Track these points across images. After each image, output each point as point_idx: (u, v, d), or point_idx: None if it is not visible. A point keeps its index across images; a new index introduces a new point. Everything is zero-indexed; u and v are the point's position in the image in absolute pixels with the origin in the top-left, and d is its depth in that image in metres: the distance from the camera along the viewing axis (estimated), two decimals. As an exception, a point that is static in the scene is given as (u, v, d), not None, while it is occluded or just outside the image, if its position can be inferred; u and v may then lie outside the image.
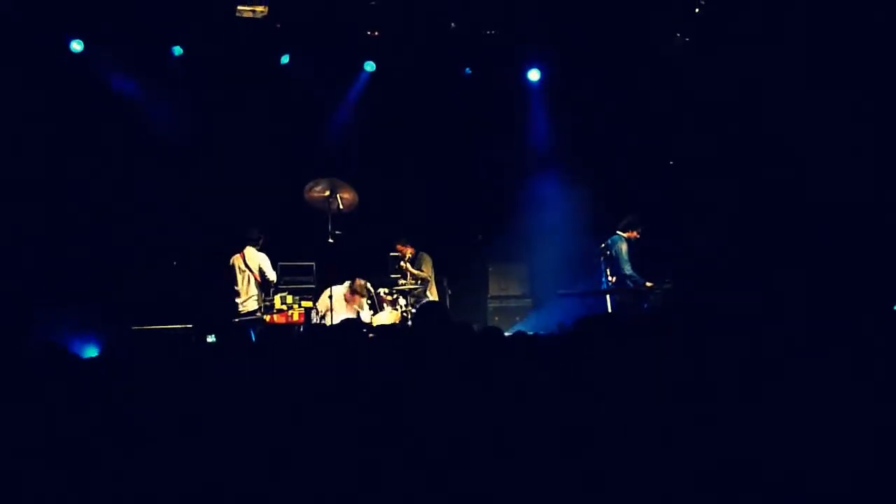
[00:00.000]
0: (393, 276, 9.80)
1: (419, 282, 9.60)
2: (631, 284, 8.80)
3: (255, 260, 9.32)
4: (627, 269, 8.83)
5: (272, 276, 9.36)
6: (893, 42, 8.50)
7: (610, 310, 8.65)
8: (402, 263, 9.61)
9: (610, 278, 8.92)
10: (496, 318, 10.59)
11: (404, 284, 9.46)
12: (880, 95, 8.59)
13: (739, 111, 9.62)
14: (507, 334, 4.44)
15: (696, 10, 9.79)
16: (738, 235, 9.49)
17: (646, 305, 8.69)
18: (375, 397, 3.11)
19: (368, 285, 9.29)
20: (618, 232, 9.04)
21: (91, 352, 7.92)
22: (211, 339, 8.66)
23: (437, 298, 9.73)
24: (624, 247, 8.92)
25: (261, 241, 9.38)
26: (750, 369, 3.21)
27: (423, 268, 9.79)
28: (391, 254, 9.97)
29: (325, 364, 3.60)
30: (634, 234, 9.02)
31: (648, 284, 8.76)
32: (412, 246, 9.78)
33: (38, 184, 9.24)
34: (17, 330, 7.73)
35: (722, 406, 2.93)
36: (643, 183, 10.23)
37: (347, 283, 9.22)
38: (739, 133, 9.69)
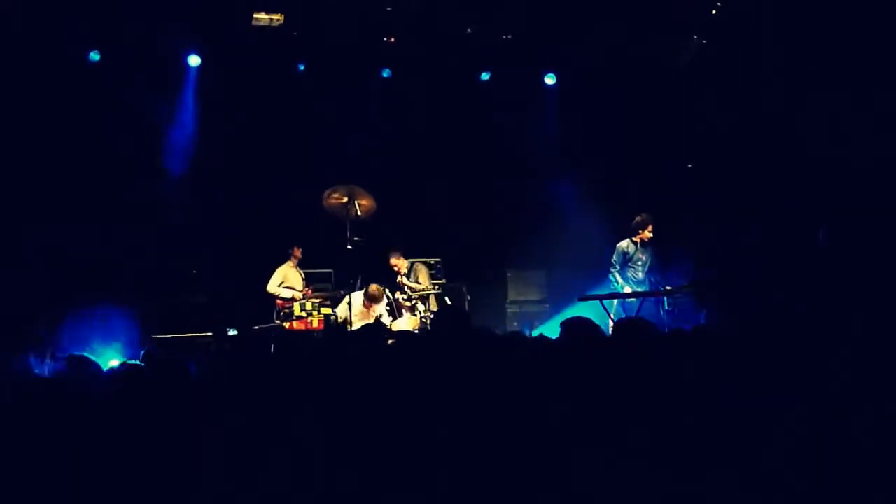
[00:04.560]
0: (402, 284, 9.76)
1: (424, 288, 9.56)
2: (615, 286, 8.81)
3: None
4: (611, 272, 8.90)
5: (270, 286, 9.62)
6: None
7: (612, 316, 8.55)
8: (399, 279, 9.60)
9: (620, 282, 8.89)
10: (515, 324, 10.56)
11: (420, 291, 9.45)
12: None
13: (756, 112, 9.52)
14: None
15: (713, 11, 9.72)
16: (755, 238, 9.38)
17: (666, 309, 8.60)
18: (396, 401, 3.09)
19: (386, 290, 9.28)
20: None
21: (112, 356, 7.96)
22: (232, 332, 8.77)
23: (436, 307, 9.65)
24: (620, 247, 8.94)
25: (290, 254, 9.81)
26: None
27: (420, 279, 9.74)
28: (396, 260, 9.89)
29: (346, 368, 3.59)
30: (644, 235, 8.91)
31: (627, 290, 8.71)
32: (404, 257, 9.76)
33: (55, 192, 9.30)
34: (35, 342, 7.75)
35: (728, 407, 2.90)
36: (662, 187, 10.16)
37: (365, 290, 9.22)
38: (756, 134, 9.59)
